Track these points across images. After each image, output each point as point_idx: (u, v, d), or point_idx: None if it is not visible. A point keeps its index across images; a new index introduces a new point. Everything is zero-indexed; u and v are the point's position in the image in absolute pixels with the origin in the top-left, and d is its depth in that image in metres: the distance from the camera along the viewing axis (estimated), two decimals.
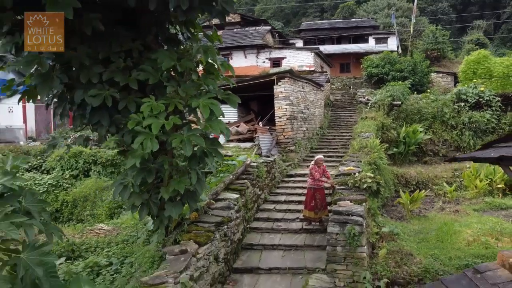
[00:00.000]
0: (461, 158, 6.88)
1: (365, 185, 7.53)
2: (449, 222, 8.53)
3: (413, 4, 33.05)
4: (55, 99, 6.09)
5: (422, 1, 52.12)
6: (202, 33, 6.49)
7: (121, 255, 7.25)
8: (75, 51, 5.31)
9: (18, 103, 6.56)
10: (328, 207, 8.11)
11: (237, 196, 7.65)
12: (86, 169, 13.05)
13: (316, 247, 7.46)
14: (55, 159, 13.28)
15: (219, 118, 5.58)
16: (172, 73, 5.92)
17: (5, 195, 3.36)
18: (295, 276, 6.64)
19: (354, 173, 8.19)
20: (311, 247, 7.49)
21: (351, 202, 6.89)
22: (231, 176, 8.40)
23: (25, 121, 17.79)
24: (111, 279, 6.28)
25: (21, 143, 16.57)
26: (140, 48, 5.61)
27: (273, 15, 57.97)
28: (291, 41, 34.80)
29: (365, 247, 6.37)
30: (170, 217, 5.85)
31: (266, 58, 22.74)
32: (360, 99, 20.51)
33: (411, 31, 31.02)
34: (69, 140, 12.10)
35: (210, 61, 5.96)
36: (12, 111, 17.81)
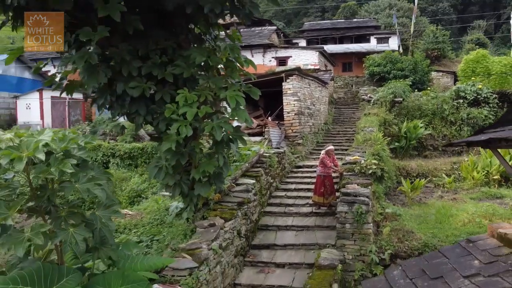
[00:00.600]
0: (456, 143, 7.64)
1: (370, 171, 8.29)
2: (447, 206, 9.28)
3: (414, 5, 33.78)
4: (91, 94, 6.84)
5: (423, 1, 52.83)
6: (223, 32, 7.28)
7: (149, 234, 8.00)
8: (117, 48, 6.08)
9: (60, 95, 7.27)
10: (337, 193, 8.87)
11: (253, 181, 8.41)
12: (105, 161, 13.80)
13: (326, 227, 8.22)
14: None
15: (242, 108, 6.35)
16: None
17: (80, 165, 4.09)
18: (308, 251, 7.40)
19: (360, 162, 8.95)
20: (321, 227, 8.25)
21: (358, 185, 7.66)
22: (247, 164, 9.17)
23: (42, 117, 18.57)
24: (144, 252, 7.03)
25: None
26: (174, 46, 6.39)
27: (274, 15, 58.68)
28: (294, 41, 35.55)
29: (371, 225, 7.14)
30: (199, 196, 6.62)
31: (272, 57, 23.52)
32: (363, 96, 21.28)
33: (412, 31, 31.73)
34: (100, 130, 12.75)
35: (230, 58, 6.76)
36: (29, 108, 18.60)
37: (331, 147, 9.21)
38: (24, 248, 3.28)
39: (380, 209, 7.97)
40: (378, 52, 29.23)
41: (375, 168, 8.29)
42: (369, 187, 7.67)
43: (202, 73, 6.68)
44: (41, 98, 18.38)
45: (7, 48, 37.15)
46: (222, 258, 6.03)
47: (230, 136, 6.36)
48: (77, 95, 21.84)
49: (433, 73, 26.85)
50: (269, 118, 14.11)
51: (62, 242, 3.83)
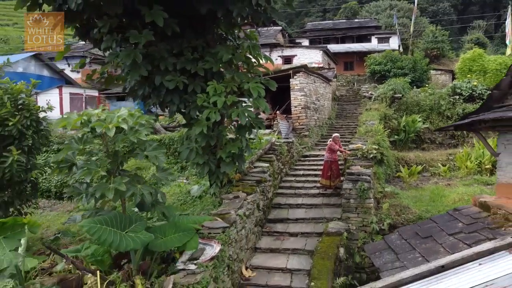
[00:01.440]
0: (445, 127, 8.71)
1: (371, 155, 9.36)
2: (440, 189, 10.35)
3: (414, 5, 34.80)
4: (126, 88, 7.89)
5: (424, 1, 53.80)
6: (242, 32, 8.37)
7: (176, 211, 9.09)
8: (156, 47, 7.17)
9: (107, 86, 8.30)
10: (341, 177, 9.92)
11: (267, 165, 9.49)
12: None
13: (332, 205, 9.29)
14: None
15: (262, 98, 7.43)
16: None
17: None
18: (317, 224, 8.48)
19: (362, 148, 10.01)
20: (328, 205, 9.32)
21: (360, 167, 8.72)
22: (261, 151, 10.24)
23: (61, 112, 19.66)
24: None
25: (58, 132, 18.45)
26: (203, 44, 7.47)
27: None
28: (297, 41, 36.63)
29: (372, 200, 8.21)
30: (224, 173, 7.71)
31: (279, 56, 24.61)
32: (364, 93, 22.37)
33: (411, 31, 32.74)
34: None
35: (248, 55, 7.85)
36: (49, 103, 19.70)
37: (337, 134, 10.29)
38: (111, 192, 4.36)
39: (380, 188, 9.04)
40: (379, 52, 30.28)
41: (375, 153, 9.36)
42: (370, 168, 8.74)
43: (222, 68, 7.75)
44: (60, 94, 19.51)
45: (19, 47, 38.27)
46: (246, 224, 7.11)
47: (252, 122, 7.44)
48: (92, 92, 23.00)
49: (432, 71, 27.87)
50: (277, 112, 15.17)
51: (127, 197, 4.92)
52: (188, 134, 7.75)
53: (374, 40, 36.67)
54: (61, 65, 24.25)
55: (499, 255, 5.05)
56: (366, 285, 5.77)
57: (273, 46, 24.57)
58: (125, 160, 4.89)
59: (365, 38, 37.19)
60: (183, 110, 7.74)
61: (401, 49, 33.67)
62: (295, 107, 14.61)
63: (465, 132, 17.52)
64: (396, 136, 16.95)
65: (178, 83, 7.18)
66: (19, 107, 6.64)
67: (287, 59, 24.71)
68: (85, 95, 19.81)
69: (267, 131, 14.16)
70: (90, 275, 5.11)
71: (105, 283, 4.74)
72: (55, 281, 4.60)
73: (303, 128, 14.60)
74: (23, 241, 4.39)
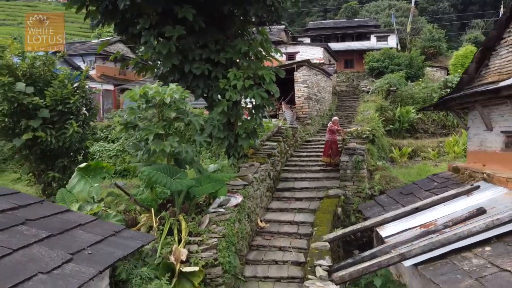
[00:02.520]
0: (427, 107, 10.23)
1: (365, 135, 10.85)
2: (427, 166, 11.82)
3: (412, 5, 36.21)
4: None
5: (423, 1, 55.07)
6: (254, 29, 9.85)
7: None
8: (185, 40, 8.65)
9: (139, 75, 9.79)
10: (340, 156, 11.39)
11: (276, 143, 10.97)
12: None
13: (332, 178, 10.76)
14: (119, 131, 16.63)
15: (273, 83, 8.90)
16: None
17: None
18: (319, 191, 9.95)
19: (358, 130, 11.50)
20: (328, 178, 10.79)
21: (356, 144, 10.20)
22: (270, 133, 11.74)
23: None
24: None
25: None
26: (224, 38, 8.95)
27: (268, 20, 60.83)
28: (299, 39, 38.08)
29: (365, 170, 9.69)
30: (241, 146, 9.19)
31: (283, 53, 26.07)
32: (363, 88, 23.87)
33: (408, 30, 34.15)
34: None
35: (259, 49, 9.33)
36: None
37: (336, 117, 11.78)
38: (168, 147, 5.84)
39: (373, 162, 10.52)
40: (377, 49, 31.69)
41: (368, 133, 10.85)
42: (364, 145, 10.22)
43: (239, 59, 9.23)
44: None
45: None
46: (260, 187, 8.60)
47: (264, 103, 8.92)
48: (108, 87, 24.52)
49: (428, 68, 29.27)
50: (282, 102, 16.65)
51: (175, 152, 6.40)
52: (211, 115, 9.23)
53: (373, 39, 38.12)
54: (77, 62, 25.74)
55: (459, 198, 6.57)
56: (357, 224, 7.29)
57: (277, 44, 26.03)
58: (173, 124, 6.37)
59: (365, 37, 38.65)
60: (205, 94, 9.22)
61: (399, 47, 35.10)
62: (299, 97, 16.10)
63: (455, 122, 18.99)
64: (391, 126, 18.41)
65: (204, 70, 8.67)
66: (76, 89, 8.12)
67: (290, 56, 26.20)
68: (103, 90, 21.29)
69: (274, 119, 15.65)
70: (142, 215, 6.61)
71: (157, 218, 6.25)
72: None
73: (306, 116, 16.09)
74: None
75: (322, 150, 12.01)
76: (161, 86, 6.44)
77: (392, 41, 37.04)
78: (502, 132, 6.94)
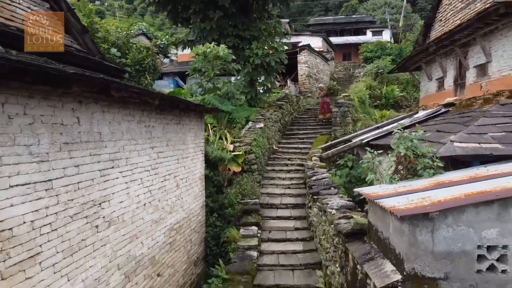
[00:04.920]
0: (392, 69, 13.77)
1: (350, 96, 14.45)
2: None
3: (404, 2, 39.71)
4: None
5: (423, 1, 58.31)
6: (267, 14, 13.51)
7: None
8: (221, 21, 12.28)
9: (183, 50, 13.41)
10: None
11: (284, 102, 14.58)
12: None
13: (325, 128, 14.35)
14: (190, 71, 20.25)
15: (283, 52, 12.53)
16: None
17: None
18: (316, 134, 13.54)
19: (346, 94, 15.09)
20: (323, 127, 14.39)
21: (343, 100, 13.79)
22: (279, 96, 15.35)
23: None
24: None
25: None
26: (247, 21, 12.59)
27: (279, 13, 64.23)
28: (301, 34, 41.60)
29: (350, 118, 13.28)
30: (260, 99, 12.80)
31: (287, 42, 29.75)
32: (357, 75, 27.43)
33: (401, 25, 37.66)
34: None
35: (272, 30, 12.96)
36: None
37: (322, 85, 15.41)
38: (221, 82, 9.44)
39: (356, 114, 14.11)
40: (373, 43, 35.22)
41: (352, 97, 14.45)
42: (349, 102, 13.81)
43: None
44: None
45: None
46: (274, 125, 12.21)
47: (277, 67, 12.53)
48: None
49: None
50: (287, 79, 20.27)
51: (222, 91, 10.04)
52: (239, 75, 12.85)
53: (369, 34, 41.66)
54: None
55: (405, 118, 10.15)
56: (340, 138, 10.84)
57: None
58: (220, 71, 9.99)
59: (361, 32, 42.21)
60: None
61: (392, 41, 38.60)
62: (301, 75, 19.68)
63: None
64: (378, 101, 21.95)
65: (234, 43, 12.31)
66: (148, 53, 11.75)
67: (294, 45, 29.71)
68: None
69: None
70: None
71: (212, 129, 9.88)
72: None
73: (307, 91, 19.68)
74: None
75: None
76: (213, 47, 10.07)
77: (386, 36, 40.55)
78: (436, 79, 10.53)
